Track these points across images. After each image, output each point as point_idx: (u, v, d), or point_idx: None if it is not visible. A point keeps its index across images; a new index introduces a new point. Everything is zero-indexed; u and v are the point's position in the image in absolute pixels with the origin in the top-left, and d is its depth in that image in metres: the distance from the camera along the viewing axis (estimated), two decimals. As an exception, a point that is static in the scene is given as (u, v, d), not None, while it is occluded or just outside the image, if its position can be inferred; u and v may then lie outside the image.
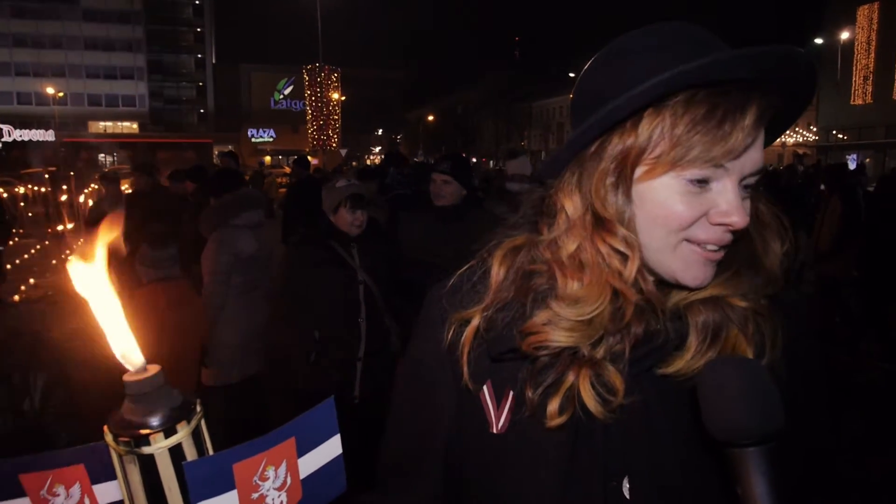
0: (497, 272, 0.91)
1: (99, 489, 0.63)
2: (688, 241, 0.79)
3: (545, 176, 0.89)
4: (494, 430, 0.90)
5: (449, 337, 0.93)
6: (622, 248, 0.79)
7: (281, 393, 4.28)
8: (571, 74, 61.77)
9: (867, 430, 4.44)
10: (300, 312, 3.37)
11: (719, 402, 0.67)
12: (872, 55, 40.11)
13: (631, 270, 0.79)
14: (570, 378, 0.82)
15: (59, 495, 0.62)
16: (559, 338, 0.81)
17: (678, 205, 0.78)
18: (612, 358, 0.82)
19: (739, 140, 0.74)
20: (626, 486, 0.82)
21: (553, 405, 0.82)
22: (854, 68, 40.87)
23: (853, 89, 40.98)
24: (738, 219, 0.77)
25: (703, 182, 0.77)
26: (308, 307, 3.35)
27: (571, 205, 0.84)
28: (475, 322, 0.90)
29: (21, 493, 0.62)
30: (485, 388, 0.91)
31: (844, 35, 41.62)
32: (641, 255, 0.81)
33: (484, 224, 3.95)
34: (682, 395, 0.79)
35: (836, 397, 0.97)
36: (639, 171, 0.79)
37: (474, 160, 64.02)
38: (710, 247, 0.79)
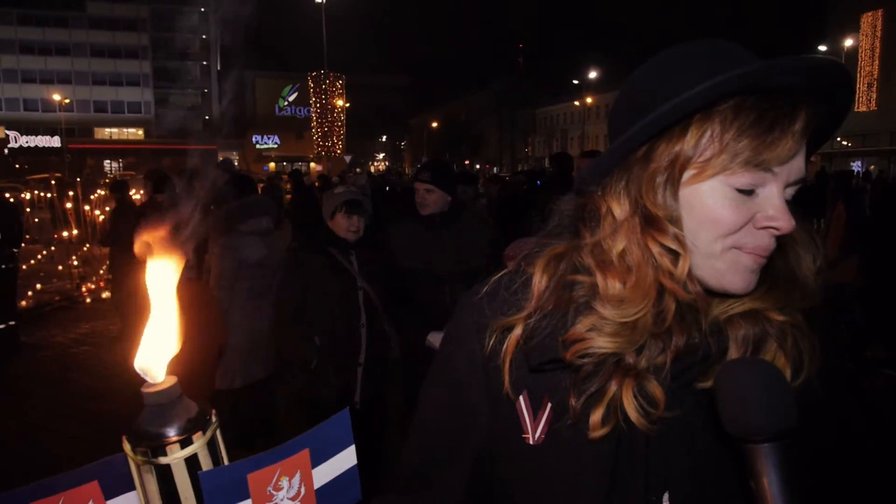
0: (539, 281, 0.90)
1: (113, 504, 0.63)
2: (735, 248, 0.79)
3: (589, 183, 0.87)
4: (531, 442, 0.87)
5: (490, 344, 0.91)
6: (674, 245, 0.79)
7: (287, 398, 4.29)
8: (575, 81, 61.89)
9: (872, 436, 4.42)
10: (300, 318, 3.38)
11: (733, 399, 0.68)
12: (876, 62, 40.12)
13: (683, 269, 0.79)
14: (613, 387, 0.80)
15: (70, 518, 0.61)
16: (603, 343, 0.80)
17: (725, 209, 0.78)
18: (654, 370, 0.81)
19: (789, 145, 0.75)
20: (665, 501, 0.81)
21: (596, 415, 0.81)
22: (858, 75, 40.83)
23: (857, 96, 40.93)
24: (785, 223, 0.76)
25: (750, 192, 0.77)
26: (308, 313, 3.36)
27: (619, 207, 0.83)
28: (518, 330, 0.88)
29: None
30: (521, 398, 0.89)
31: (848, 42, 41.64)
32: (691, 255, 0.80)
33: (472, 229, 3.93)
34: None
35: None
36: (686, 174, 0.79)
37: (478, 167, 64.23)
38: (756, 252, 0.79)
